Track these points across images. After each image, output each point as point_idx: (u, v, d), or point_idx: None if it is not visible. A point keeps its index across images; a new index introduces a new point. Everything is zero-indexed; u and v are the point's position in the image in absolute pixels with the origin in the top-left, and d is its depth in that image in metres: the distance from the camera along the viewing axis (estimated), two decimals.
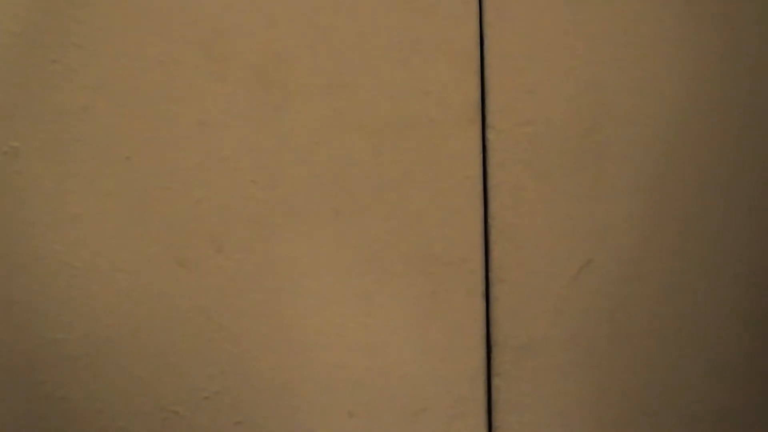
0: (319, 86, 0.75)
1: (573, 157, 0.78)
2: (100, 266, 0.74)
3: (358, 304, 0.78)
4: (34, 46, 0.69)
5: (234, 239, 0.76)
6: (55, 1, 0.69)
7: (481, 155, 0.76)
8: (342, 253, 0.78)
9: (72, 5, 0.69)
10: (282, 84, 0.75)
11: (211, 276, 0.76)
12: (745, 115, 0.81)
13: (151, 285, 0.75)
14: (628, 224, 0.79)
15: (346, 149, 0.76)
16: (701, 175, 0.80)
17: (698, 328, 0.82)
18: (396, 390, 0.79)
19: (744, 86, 0.80)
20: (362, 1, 0.74)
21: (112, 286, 0.75)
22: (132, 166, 0.74)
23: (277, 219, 0.76)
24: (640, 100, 0.79)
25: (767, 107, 0.81)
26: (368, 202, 0.77)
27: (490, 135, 0.77)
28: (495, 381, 0.80)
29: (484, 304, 0.79)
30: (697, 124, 0.80)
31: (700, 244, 0.81)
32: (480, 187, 0.77)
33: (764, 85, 0.81)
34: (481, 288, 0.78)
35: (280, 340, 0.78)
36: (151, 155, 0.74)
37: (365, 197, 0.77)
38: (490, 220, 0.78)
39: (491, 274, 0.78)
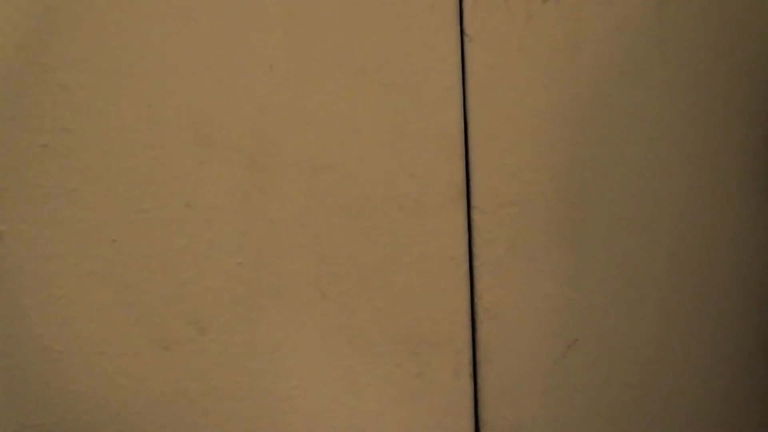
0: (305, 168, 0.76)
1: (556, 236, 0.79)
2: (82, 349, 0.73)
3: (343, 386, 0.78)
4: (24, 130, 0.70)
5: (218, 321, 0.75)
6: (46, 86, 0.70)
7: (467, 236, 0.77)
8: (327, 334, 0.77)
9: (63, 90, 0.70)
10: (268, 166, 0.76)
11: (195, 359, 0.75)
12: (727, 188, 0.83)
13: (134, 368, 0.74)
14: (614, 302, 0.80)
15: (331, 231, 0.77)
16: (683, 251, 0.81)
17: (686, 405, 0.82)
18: None
19: (724, 160, 0.82)
20: (348, 85, 0.76)
21: (94, 369, 0.73)
22: (117, 249, 0.73)
23: (262, 300, 0.76)
24: (622, 178, 0.81)
25: (746, 181, 0.83)
26: (354, 283, 0.77)
27: (475, 216, 0.78)
28: None
29: (472, 385, 0.78)
30: (677, 200, 0.82)
31: (684, 319, 0.82)
32: (465, 267, 0.78)
33: (744, 158, 0.83)
34: (468, 368, 0.78)
35: (264, 423, 0.77)
36: (137, 238, 0.74)
37: (351, 278, 0.77)
38: (476, 300, 0.78)
39: (478, 354, 0.78)
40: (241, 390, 0.76)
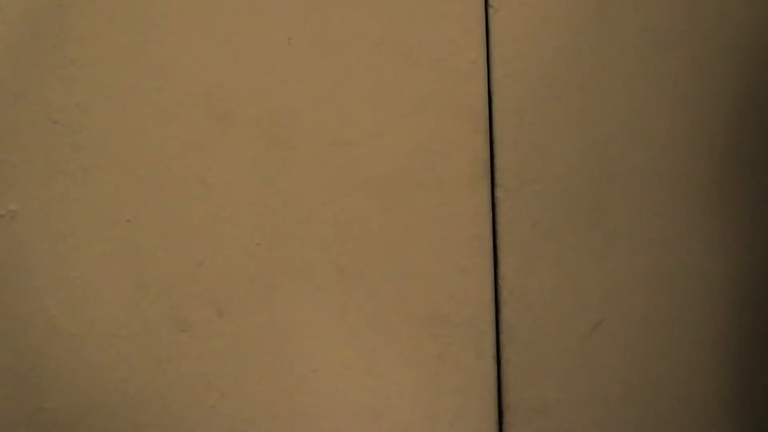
0: (324, 143, 0.74)
1: (582, 214, 0.77)
2: (96, 331, 0.71)
3: (363, 367, 0.76)
4: (34, 106, 0.67)
5: (236, 302, 0.74)
6: (57, 61, 0.68)
7: (491, 214, 0.75)
8: (347, 314, 0.75)
9: (74, 65, 0.68)
10: (286, 141, 0.73)
11: (213, 340, 0.73)
12: (753, 166, 0.80)
13: (150, 350, 0.72)
14: (639, 281, 0.78)
15: (351, 207, 0.74)
16: (711, 231, 0.79)
17: (713, 387, 0.81)
18: None
19: (750, 137, 0.80)
20: (369, 58, 0.73)
21: (109, 352, 0.72)
22: (132, 228, 0.71)
23: (281, 280, 0.74)
24: (648, 154, 0.78)
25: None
26: (374, 261, 0.75)
27: (499, 193, 0.76)
28: None
29: (496, 366, 0.77)
30: (705, 177, 0.79)
31: (712, 299, 0.80)
32: (489, 246, 0.76)
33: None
34: (491, 350, 0.76)
35: (283, 405, 0.75)
36: (152, 216, 0.72)
37: (371, 256, 0.75)
38: (499, 280, 0.76)
39: (502, 336, 0.76)
40: (259, 372, 0.74)
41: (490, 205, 0.75)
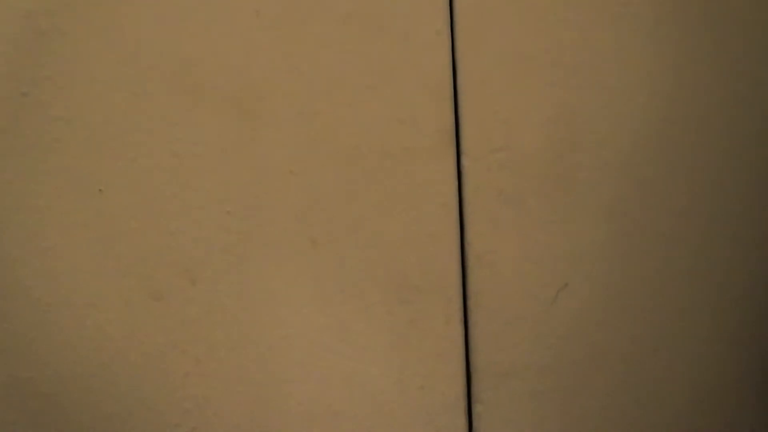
0: (293, 116, 0.75)
1: (547, 181, 0.79)
2: (72, 301, 0.73)
3: (335, 334, 0.78)
4: (4, 79, 0.68)
5: (209, 271, 0.75)
6: (26, 34, 0.68)
7: (456, 182, 0.77)
8: (318, 282, 0.77)
9: (43, 37, 0.69)
10: (255, 114, 0.75)
11: (186, 309, 0.75)
12: (717, 138, 0.82)
13: (125, 319, 0.74)
14: (603, 247, 0.80)
15: (321, 178, 0.76)
16: (674, 197, 0.81)
17: (677, 348, 0.83)
18: (375, 420, 0.78)
19: (716, 110, 0.82)
20: (336, 30, 0.74)
21: (85, 321, 0.73)
22: (104, 199, 0.73)
23: (253, 250, 0.76)
24: (611, 124, 0.80)
25: (739, 129, 0.82)
26: (344, 230, 0.77)
27: (465, 162, 0.77)
28: (476, 408, 0.80)
29: (463, 331, 0.78)
30: (669, 147, 0.81)
31: (675, 264, 0.82)
32: (456, 214, 0.77)
33: (737, 108, 0.82)
34: (459, 315, 0.78)
35: (256, 372, 0.77)
36: (124, 188, 0.73)
37: (341, 226, 0.77)
38: (466, 247, 0.78)
39: (469, 301, 0.78)
40: (232, 339, 0.76)
41: (455, 173, 0.77)
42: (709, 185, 0.82)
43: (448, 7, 0.76)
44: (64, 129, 0.70)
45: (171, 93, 0.73)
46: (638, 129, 0.80)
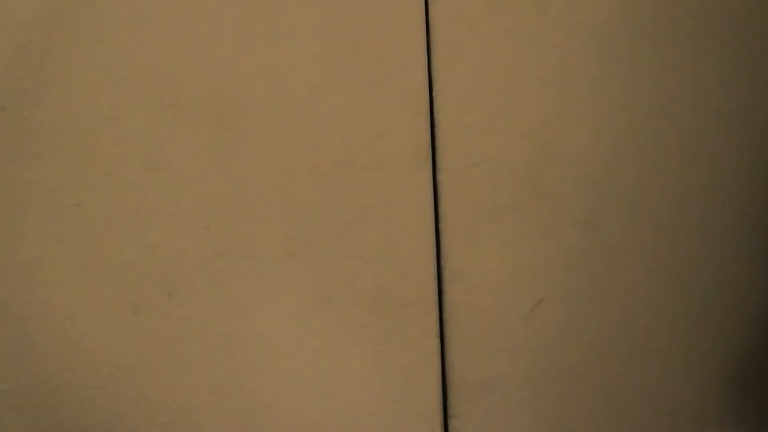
0: (271, 130, 0.76)
1: (524, 196, 0.79)
2: (48, 314, 0.73)
3: (312, 347, 0.78)
4: None
5: (187, 284, 0.75)
6: (4, 48, 0.69)
7: (433, 196, 0.77)
8: (296, 296, 0.77)
9: (22, 51, 0.69)
10: (234, 128, 0.75)
11: (164, 322, 0.75)
12: (694, 152, 0.83)
13: (102, 332, 0.74)
14: (580, 261, 0.81)
15: (298, 192, 0.77)
16: (651, 212, 0.82)
17: (654, 361, 0.83)
18: None
19: (694, 125, 0.83)
20: (313, 45, 0.75)
21: (62, 334, 0.73)
22: (82, 212, 0.73)
23: (231, 263, 0.76)
24: (588, 138, 0.81)
25: (716, 143, 0.83)
26: (322, 244, 0.77)
27: (441, 177, 0.78)
28: (452, 422, 0.80)
29: (439, 345, 0.79)
30: (647, 161, 0.82)
31: (652, 278, 0.82)
32: (432, 228, 0.78)
33: (715, 122, 0.83)
34: (435, 328, 0.79)
35: (234, 385, 0.77)
36: (102, 201, 0.73)
37: (319, 240, 0.77)
38: (442, 261, 0.78)
39: (445, 315, 0.79)
40: (210, 352, 0.76)
41: (432, 188, 0.78)
42: (686, 199, 0.83)
43: (425, 23, 0.77)
44: (42, 143, 0.71)
45: (150, 107, 0.74)
46: (615, 143, 0.81)
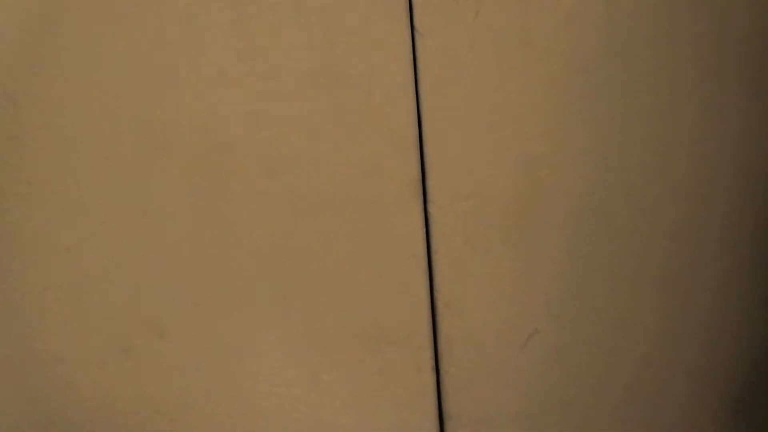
0: (261, 171, 0.76)
1: (513, 228, 0.80)
2: (39, 357, 0.73)
3: (307, 386, 0.78)
4: None
5: (177, 325, 0.75)
6: None
7: (424, 231, 0.78)
8: (289, 335, 0.77)
9: (6, 98, 0.70)
10: (224, 171, 0.75)
11: (156, 363, 0.75)
12: (683, 185, 0.83)
13: (93, 375, 0.74)
14: (572, 292, 0.81)
15: (290, 232, 0.77)
16: (641, 244, 0.82)
17: (650, 391, 0.83)
18: None
19: (682, 156, 0.83)
20: (300, 86, 0.76)
21: (52, 377, 0.73)
22: (72, 257, 0.73)
23: (222, 304, 0.76)
24: (576, 171, 0.81)
25: (704, 173, 0.84)
26: (314, 283, 0.77)
27: (432, 210, 0.78)
28: None
29: (435, 379, 0.79)
30: (636, 194, 0.82)
31: (645, 308, 0.83)
32: (424, 263, 0.78)
33: (703, 154, 0.84)
34: (430, 363, 0.79)
35: (227, 425, 0.77)
36: (93, 245, 0.73)
37: (311, 279, 0.77)
38: (435, 295, 0.78)
39: (440, 349, 0.79)
40: (203, 394, 0.76)
41: (423, 222, 0.78)
42: (676, 232, 0.83)
43: (412, 60, 0.77)
44: (31, 189, 0.71)
45: (138, 152, 0.74)
46: (605, 174, 0.82)
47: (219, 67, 0.74)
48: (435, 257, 0.78)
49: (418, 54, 0.78)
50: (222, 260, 0.76)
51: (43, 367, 0.72)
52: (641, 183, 0.82)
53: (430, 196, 0.78)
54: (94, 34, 0.72)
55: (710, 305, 0.84)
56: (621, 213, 0.82)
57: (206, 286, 0.75)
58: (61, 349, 0.73)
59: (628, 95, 0.82)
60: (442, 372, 0.79)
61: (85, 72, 0.72)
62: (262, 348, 0.77)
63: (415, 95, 0.77)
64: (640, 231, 0.82)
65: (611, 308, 0.82)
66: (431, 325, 0.78)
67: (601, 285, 0.81)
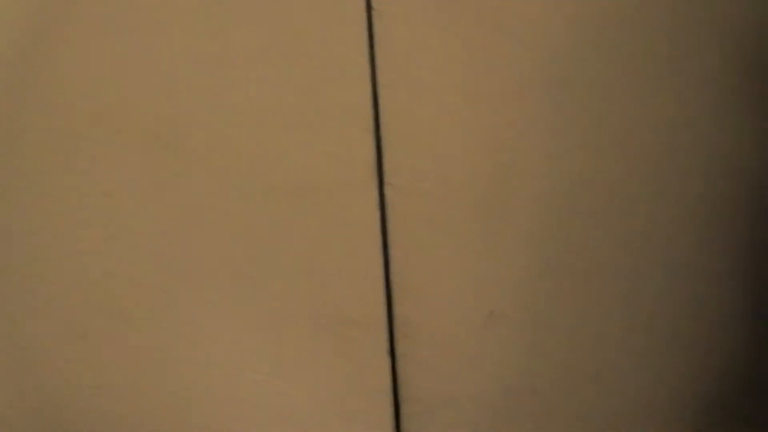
0: (218, 153, 0.76)
1: (472, 210, 0.78)
2: None
3: (268, 370, 0.78)
4: None
5: (139, 310, 0.76)
6: None
7: (379, 212, 0.77)
8: (250, 318, 0.77)
9: None
10: (183, 152, 0.76)
11: (116, 349, 0.76)
12: (653, 168, 0.81)
13: (53, 360, 0.75)
14: (534, 273, 0.79)
15: (249, 214, 0.77)
16: (606, 226, 0.81)
17: (612, 375, 0.81)
18: None
19: (652, 140, 0.81)
20: (255, 66, 0.75)
21: (12, 361, 0.74)
22: (33, 241, 0.74)
23: (183, 288, 0.76)
24: (542, 153, 0.79)
25: (675, 159, 0.82)
26: (274, 266, 0.77)
27: (388, 192, 0.77)
28: None
29: (390, 362, 0.78)
30: (601, 176, 0.81)
31: (608, 290, 0.81)
32: (380, 244, 0.77)
33: (675, 138, 0.82)
34: (386, 345, 0.78)
35: (189, 411, 0.77)
36: (54, 229, 0.74)
37: (271, 262, 0.77)
38: (391, 276, 0.77)
39: (396, 331, 0.78)
40: (163, 379, 0.76)
41: (379, 203, 0.77)
42: (643, 214, 0.81)
43: (368, 38, 0.76)
44: None
45: (100, 134, 0.75)
46: (572, 159, 0.80)
47: (173, 47, 0.74)
48: (391, 239, 0.77)
49: (374, 31, 0.76)
50: (182, 243, 0.76)
51: (3, 354, 0.74)
52: (608, 169, 0.80)
53: (387, 177, 0.77)
54: (53, 18, 0.73)
55: (683, 290, 0.82)
56: (587, 196, 0.80)
57: (167, 269, 0.76)
58: (21, 335, 0.74)
59: (601, 78, 0.80)
60: (398, 354, 0.78)
61: (45, 54, 0.73)
62: (223, 333, 0.77)
63: (371, 74, 0.77)
64: (607, 214, 0.80)
65: (577, 292, 0.80)
66: (387, 307, 0.78)
67: (566, 269, 0.80)
